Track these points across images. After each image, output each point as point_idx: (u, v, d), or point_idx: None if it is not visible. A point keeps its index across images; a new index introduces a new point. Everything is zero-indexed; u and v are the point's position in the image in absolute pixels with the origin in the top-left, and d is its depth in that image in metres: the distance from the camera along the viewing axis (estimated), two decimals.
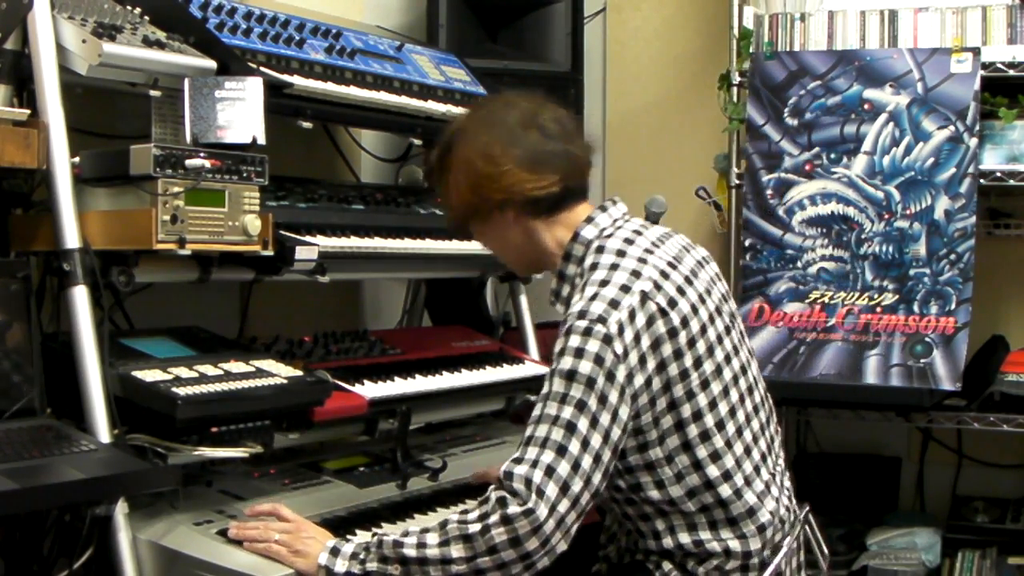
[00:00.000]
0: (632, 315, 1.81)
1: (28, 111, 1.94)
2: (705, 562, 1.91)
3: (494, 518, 1.75)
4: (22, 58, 1.96)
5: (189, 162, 1.94)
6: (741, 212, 3.40)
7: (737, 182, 3.45)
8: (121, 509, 1.85)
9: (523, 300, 2.99)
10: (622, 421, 1.80)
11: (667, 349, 1.84)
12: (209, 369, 2.02)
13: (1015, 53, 3.17)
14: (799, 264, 3.30)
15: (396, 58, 2.74)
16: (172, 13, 2.23)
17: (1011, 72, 3.16)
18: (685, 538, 1.91)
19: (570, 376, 1.78)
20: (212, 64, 2.14)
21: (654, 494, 1.90)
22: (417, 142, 2.96)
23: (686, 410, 1.86)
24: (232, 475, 2.17)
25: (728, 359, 1.93)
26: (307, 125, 2.35)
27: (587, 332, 1.79)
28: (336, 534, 2.00)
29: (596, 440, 1.77)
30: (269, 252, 2.10)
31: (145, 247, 1.92)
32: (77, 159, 1.96)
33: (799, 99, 3.31)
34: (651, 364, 1.83)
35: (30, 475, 1.66)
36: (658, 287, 1.86)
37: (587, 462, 1.76)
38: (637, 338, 1.81)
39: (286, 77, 2.28)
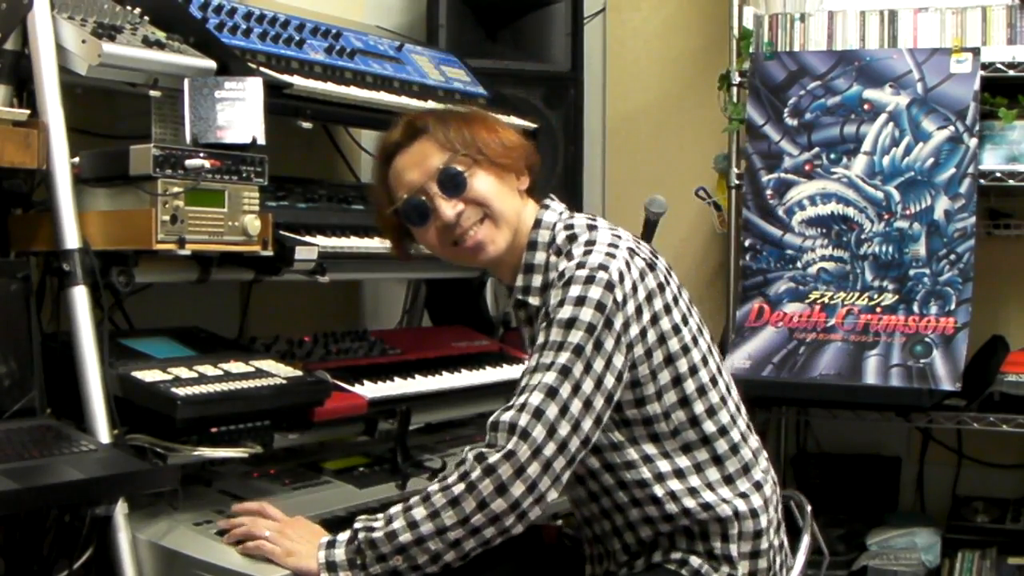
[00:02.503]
0: (628, 266, 1.85)
1: (28, 111, 1.94)
2: (724, 539, 1.90)
3: (476, 473, 1.75)
4: (22, 58, 1.96)
5: (189, 162, 1.94)
6: (741, 212, 3.40)
7: (737, 182, 3.45)
8: (121, 509, 1.86)
9: None
10: (616, 369, 1.81)
11: (658, 303, 1.87)
12: (209, 369, 2.02)
13: (1015, 53, 3.17)
14: (799, 264, 3.30)
15: (396, 58, 2.74)
16: (172, 13, 2.23)
17: (1011, 72, 3.16)
18: (690, 502, 1.89)
19: (569, 324, 1.79)
20: (212, 64, 2.14)
21: (649, 448, 1.89)
22: None
23: (682, 364, 1.88)
24: (232, 475, 2.17)
25: (703, 325, 1.99)
26: (307, 125, 2.36)
27: (589, 280, 1.81)
28: (334, 534, 2.01)
29: (588, 385, 1.78)
30: (269, 252, 2.10)
31: (145, 247, 1.92)
32: (77, 159, 1.96)
33: (799, 99, 3.31)
34: (646, 316, 1.85)
35: (30, 475, 1.66)
36: (638, 247, 1.92)
37: (577, 406, 1.77)
38: (635, 288, 1.84)
39: (286, 77, 2.28)
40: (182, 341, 2.16)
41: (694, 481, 1.90)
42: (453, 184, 1.91)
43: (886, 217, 3.22)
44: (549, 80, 3.42)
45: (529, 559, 2.29)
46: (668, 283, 1.92)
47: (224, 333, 2.31)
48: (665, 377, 1.88)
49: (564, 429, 1.76)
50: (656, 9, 4.02)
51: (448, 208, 1.92)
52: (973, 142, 3.13)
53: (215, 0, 2.36)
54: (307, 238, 2.23)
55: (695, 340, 1.92)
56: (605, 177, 3.95)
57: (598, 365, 1.79)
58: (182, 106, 2.03)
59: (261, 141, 2.06)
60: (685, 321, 1.91)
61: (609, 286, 1.80)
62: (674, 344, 1.88)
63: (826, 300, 3.24)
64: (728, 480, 1.91)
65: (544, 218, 1.97)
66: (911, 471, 3.63)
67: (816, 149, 3.29)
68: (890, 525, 3.38)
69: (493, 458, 1.74)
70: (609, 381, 1.80)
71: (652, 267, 1.90)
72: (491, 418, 1.79)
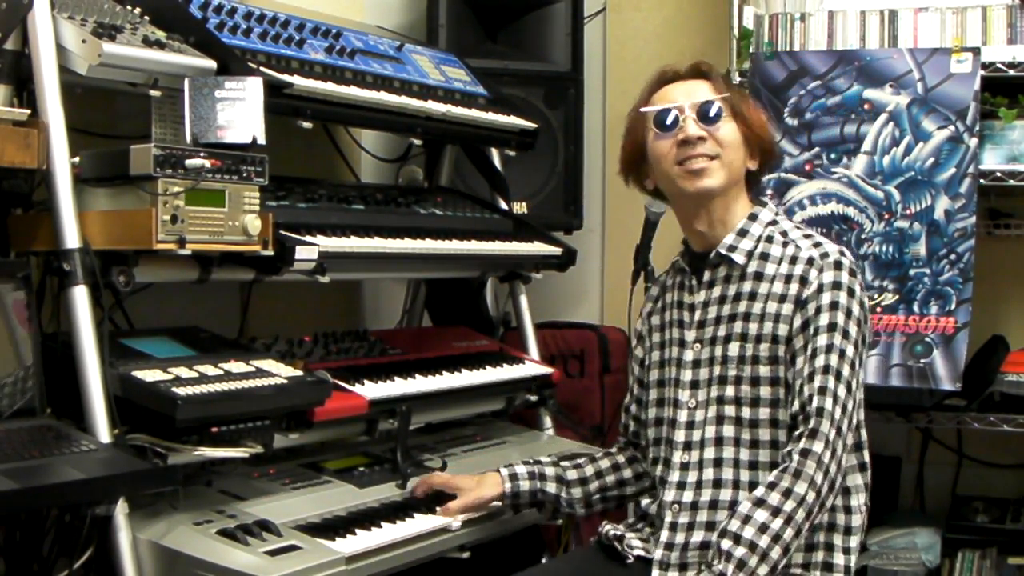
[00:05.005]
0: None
1: (28, 111, 1.94)
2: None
3: (810, 469, 1.93)
4: (22, 58, 1.96)
5: (189, 162, 1.94)
6: None
7: None
8: (121, 509, 1.85)
9: (523, 300, 2.99)
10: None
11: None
12: (209, 369, 2.02)
13: (1015, 53, 3.17)
14: None
15: (396, 58, 2.74)
16: (172, 13, 2.23)
17: (1011, 72, 3.16)
18: (838, 500, 2.04)
19: (849, 314, 2.01)
20: (212, 64, 2.14)
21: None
22: (417, 142, 2.96)
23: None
24: (232, 475, 2.17)
25: None
26: (307, 125, 2.35)
27: (852, 273, 2.04)
28: (336, 534, 2.01)
29: (861, 375, 2.03)
30: (269, 252, 2.10)
31: (145, 247, 1.92)
32: (77, 159, 1.96)
33: (799, 99, 3.31)
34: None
35: (30, 475, 1.66)
36: None
37: (860, 395, 2.03)
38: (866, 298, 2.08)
39: (286, 77, 2.28)
40: (182, 341, 2.16)
41: (849, 482, 2.05)
42: (709, 115, 2.10)
43: (886, 217, 3.22)
44: (549, 80, 3.42)
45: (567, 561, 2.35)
46: None
47: (224, 333, 2.30)
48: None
49: (855, 415, 2.01)
50: (656, 9, 4.02)
51: (694, 128, 2.09)
52: (973, 142, 3.13)
53: (215, 0, 2.36)
54: (307, 238, 2.23)
55: None
56: (605, 177, 3.94)
57: (863, 356, 2.04)
58: (182, 106, 2.03)
59: (261, 141, 2.06)
60: None
61: (862, 287, 2.06)
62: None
63: None
64: (856, 491, 2.08)
65: (768, 204, 2.18)
66: (911, 471, 3.63)
67: (816, 149, 3.29)
68: (890, 525, 3.37)
69: (817, 446, 1.93)
70: (862, 376, 2.04)
71: None
72: (813, 402, 1.95)
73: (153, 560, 1.88)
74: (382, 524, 2.10)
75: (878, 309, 3.19)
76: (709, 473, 2.04)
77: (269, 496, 2.13)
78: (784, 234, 2.11)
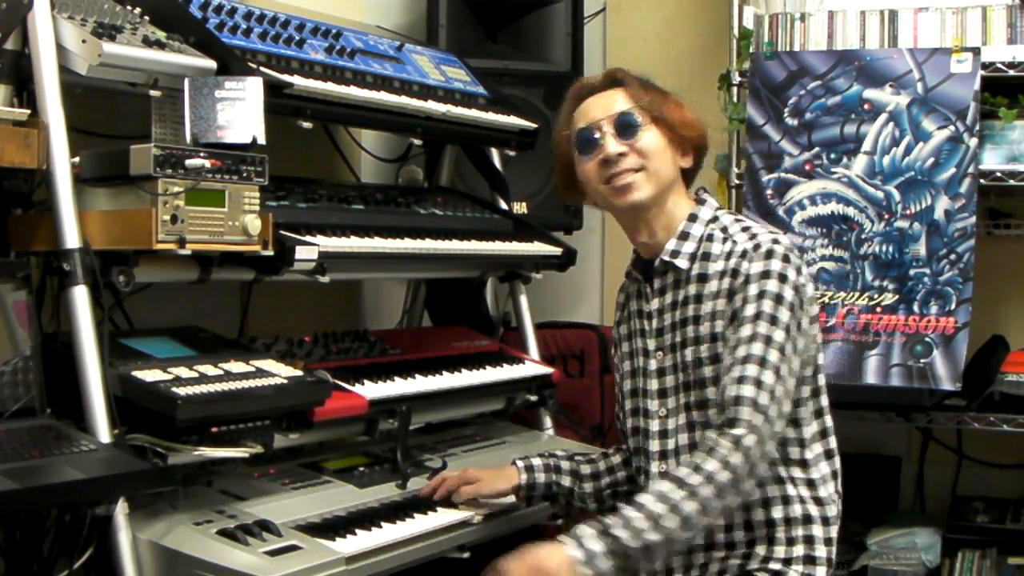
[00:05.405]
0: (799, 270, 2.04)
1: (28, 111, 1.94)
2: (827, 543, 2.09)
3: (736, 458, 1.89)
4: (22, 58, 1.96)
5: (189, 162, 1.94)
6: (741, 212, 3.39)
7: (737, 182, 3.44)
8: (121, 509, 1.85)
9: (523, 300, 2.99)
10: (800, 352, 2.02)
11: (815, 308, 2.08)
12: (209, 369, 2.02)
13: (1015, 53, 3.17)
14: None
15: (396, 58, 2.74)
16: (172, 13, 2.23)
17: (1011, 72, 3.16)
18: (805, 492, 2.06)
19: (779, 300, 1.98)
20: (212, 64, 2.14)
21: (789, 432, 2.05)
22: (417, 142, 2.96)
23: (819, 357, 2.10)
24: (232, 475, 2.17)
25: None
26: (307, 125, 2.35)
27: (786, 259, 2.01)
28: (336, 534, 2.01)
29: (796, 363, 2.00)
30: (269, 252, 2.10)
31: (145, 247, 1.92)
32: (77, 159, 1.96)
33: (799, 99, 3.31)
34: (809, 315, 2.05)
35: (30, 475, 1.66)
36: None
37: (791, 383, 1.98)
38: (805, 287, 2.04)
39: (286, 77, 2.28)
40: (182, 341, 2.16)
41: (814, 473, 2.07)
42: (626, 127, 2.09)
43: (886, 217, 3.22)
44: (549, 80, 3.42)
45: None
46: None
47: (224, 333, 2.30)
48: (808, 371, 2.05)
49: (785, 406, 1.97)
50: (656, 9, 4.02)
51: (614, 145, 2.08)
52: (973, 142, 3.13)
53: (215, 0, 2.36)
54: (307, 238, 2.23)
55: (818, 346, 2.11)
56: None
57: (799, 343, 1.99)
58: (182, 106, 2.03)
59: (261, 141, 2.05)
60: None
61: (798, 270, 2.01)
62: (812, 347, 2.06)
63: (826, 300, 3.24)
64: (835, 476, 2.12)
65: (708, 200, 2.15)
66: (911, 471, 3.63)
67: (816, 149, 3.29)
68: (890, 525, 3.38)
69: (747, 439, 1.90)
70: (796, 363, 1.99)
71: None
72: (729, 391, 1.93)
73: (153, 560, 1.87)
74: (382, 524, 2.10)
75: (878, 309, 3.19)
76: None
77: (269, 496, 2.13)
78: (724, 230, 2.10)
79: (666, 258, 2.10)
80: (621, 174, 2.07)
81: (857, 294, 3.23)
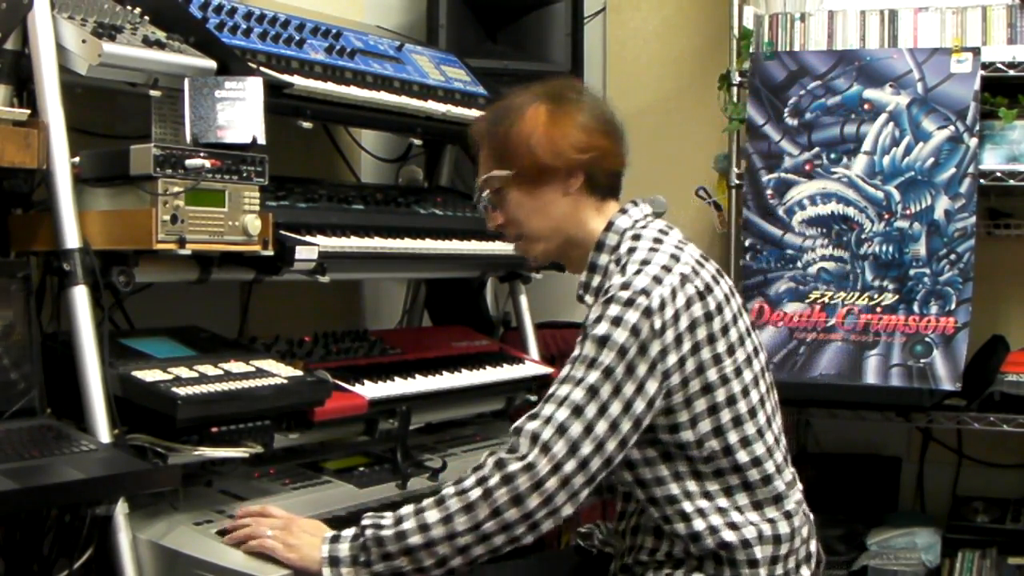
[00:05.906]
0: (673, 293, 1.82)
1: (28, 111, 1.94)
2: (736, 556, 1.87)
3: (494, 480, 1.75)
4: (22, 58, 1.96)
5: (189, 162, 1.94)
6: (741, 212, 3.40)
7: (737, 182, 3.45)
8: (121, 509, 1.85)
9: (523, 300, 2.99)
10: (648, 395, 1.79)
11: (702, 332, 1.84)
12: (209, 369, 2.02)
13: (1015, 53, 3.17)
14: (799, 264, 3.30)
15: (396, 58, 2.74)
16: (172, 13, 2.23)
17: (1011, 72, 3.16)
18: (716, 520, 1.86)
19: (603, 342, 1.79)
20: (212, 64, 2.14)
21: (681, 467, 1.87)
22: (417, 142, 2.96)
23: (720, 394, 1.86)
24: (232, 475, 2.17)
25: (756, 354, 1.95)
26: (307, 125, 2.36)
27: (629, 303, 1.80)
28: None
29: (615, 408, 1.77)
30: (269, 252, 2.10)
31: (145, 247, 1.92)
32: (77, 159, 1.96)
33: (799, 99, 3.31)
34: (686, 345, 1.82)
35: (30, 475, 1.66)
36: (696, 272, 1.88)
37: (602, 428, 1.76)
38: (676, 316, 1.81)
39: (286, 77, 2.28)
40: (182, 341, 2.16)
41: (723, 503, 1.88)
42: (491, 202, 2.00)
43: (886, 217, 3.22)
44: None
45: (539, 560, 2.31)
46: (722, 310, 1.87)
47: (224, 333, 2.30)
48: (701, 406, 1.85)
49: (587, 448, 1.76)
50: (656, 9, 4.02)
51: (490, 221, 2.03)
52: (973, 142, 3.13)
53: (215, 0, 2.36)
54: (307, 238, 2.23)
55: (738, 371, 1.88)
56: None
57: (628, 389, 1.78)
58: (182, 106, 2.03)
59: (261, 141, 2.05)
60: (732, 351, 1.87)
61: (647, 312, 1.79)
62: (713, 374, 1.85)
63: (826, 300, 3.24)
64: (757, 506, 1.90)
65: (617, 222, 1.97)
66: (911, 471, 3.63)
67: (816, 149, 3.29)
68: (890, 525, 3.38)
69: (512, 467, 1.75)
70: (639, 406, 1.79)
71: (706, 293, 1.86)
72: (516, 423, 1.80)
73: (153, 560, 1.88)
74: None
75: (878, 309, 3.19)
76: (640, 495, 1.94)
77: (269, 496, 2.13)
78: (618, 261, 1.91)
79: (580, 295, 1.99)
80: (512, 243, 2.05)
81: (857, 294, 3.23)
